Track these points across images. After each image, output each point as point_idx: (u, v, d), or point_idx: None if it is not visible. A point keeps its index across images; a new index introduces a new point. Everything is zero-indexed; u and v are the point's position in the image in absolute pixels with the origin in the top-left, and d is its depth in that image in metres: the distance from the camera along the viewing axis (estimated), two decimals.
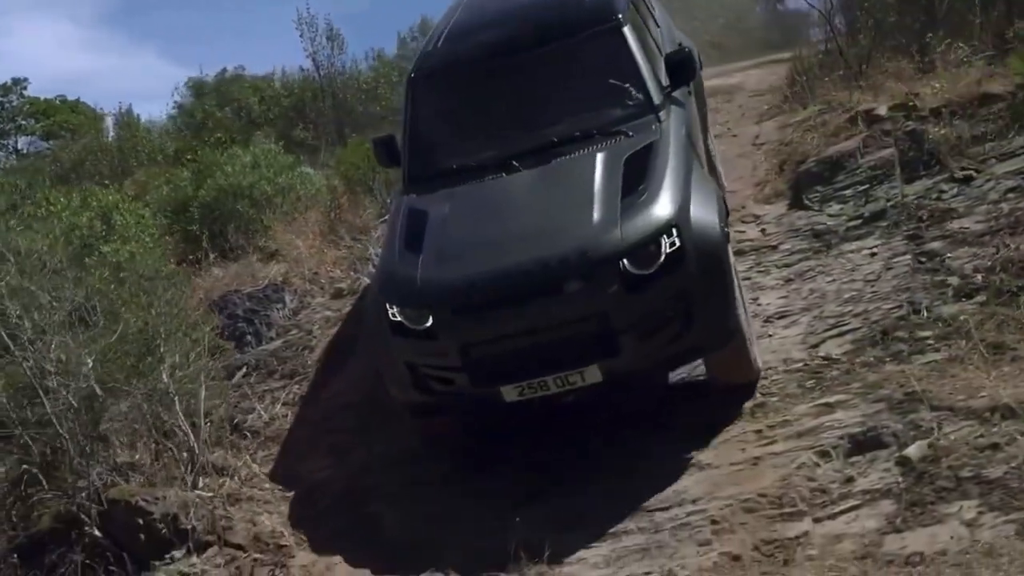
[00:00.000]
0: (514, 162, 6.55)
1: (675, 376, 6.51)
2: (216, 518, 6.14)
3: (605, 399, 6.21)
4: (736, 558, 5.03)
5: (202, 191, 12.54)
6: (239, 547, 6.00)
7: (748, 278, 7.56)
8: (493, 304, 5.84)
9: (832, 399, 5.91)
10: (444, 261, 6.13)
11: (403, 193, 7.03)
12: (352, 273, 9.83)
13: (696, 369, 6.44)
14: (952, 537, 4.64)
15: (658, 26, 8.28)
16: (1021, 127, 8.03)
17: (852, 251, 7.54)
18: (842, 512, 5.07)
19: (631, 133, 6.49)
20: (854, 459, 5.39)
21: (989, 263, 6.64)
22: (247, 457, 7.21)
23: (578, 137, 6.55)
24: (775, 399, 6.14)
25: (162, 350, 6.75)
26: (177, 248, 11.75)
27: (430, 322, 5.97)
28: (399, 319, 6.07)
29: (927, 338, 6.18)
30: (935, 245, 7.15)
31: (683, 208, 5.92)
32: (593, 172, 6.21)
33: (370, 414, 7.36)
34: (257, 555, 5.96)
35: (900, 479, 5.11)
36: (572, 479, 6.03)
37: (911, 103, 8.90)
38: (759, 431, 5.89)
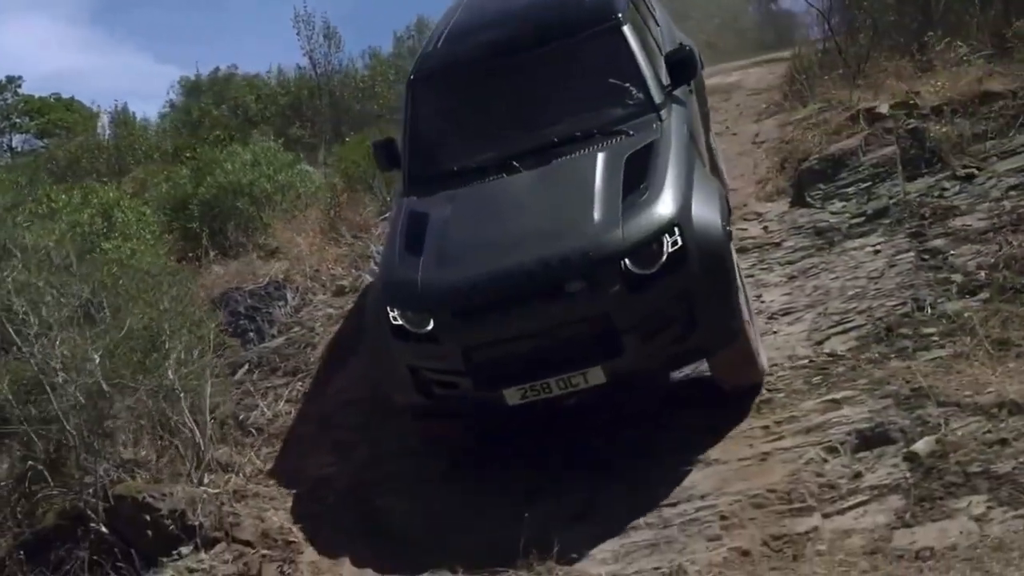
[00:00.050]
0: (515, 163, 6.52)
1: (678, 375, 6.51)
2: (223, 514, 6.12)
3: (607, 399, 6.20)
4: (745, 553, 5.05)
5: (202, 189, 12.54)
6: (247, 543, 5.98)
7: (751, 275, 7.58)
8: (494, 306, 5.80)
9: (839, 395, 5.93)
10: (445, 264, 6.09)
11: (403, 195, 7.00)
12: (353, 270, 9.82)
13: (701, 366, 6.44)
14: (961, 532, 4.67)
15: (658, 25, 8.27)
16: (1022, 125, 8.07)
17: (855, 248, 7.56)
18: (851, 507, 5.10)
19: (632, 132, 6.46)
20: (862, 455, 5.42)
21: (992, 260, 6.69)
22: (252, 454, 7.22)
23: (579, 137, 6.52)
24: (781, 395, 6.15)
25: (167, 346, 6.73)
26: (176, 245, 11.73)
27: (431, 325, 5.93)
28: (400, 323, 6.04)
29: (932, 335, 6.22)
30: (938, 242, 7.19)
31: (685, 207, 5.89)
32: (594, 172, 6.18)
33: (372, 411, 7.35)
34: (265, 551, 5.95)
35: (908, 474, 5.14)
36: (572, 478, 6.03)
37: (912, 101, 8.93)
38: (766, 427, 5.91)
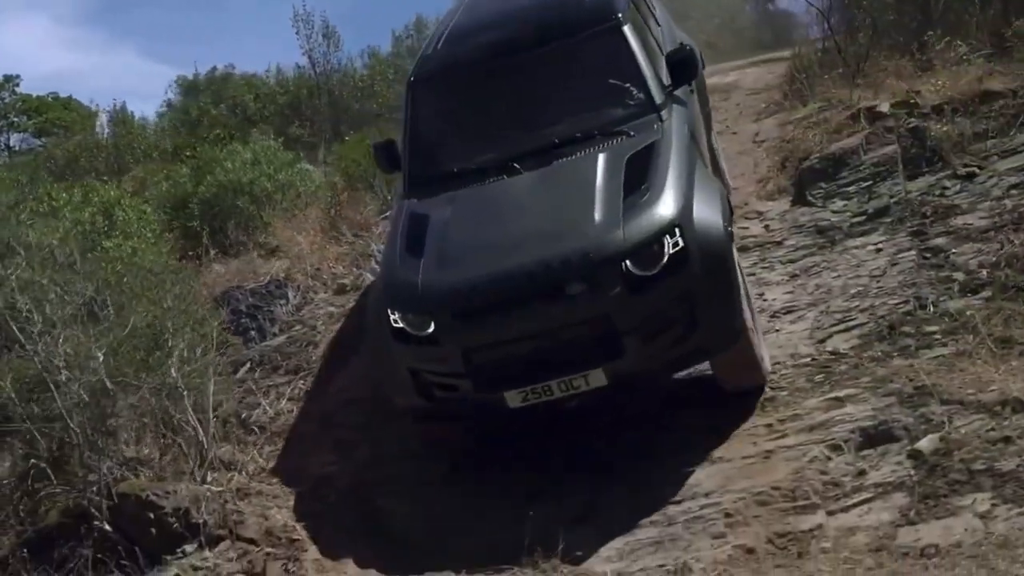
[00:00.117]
0: (515, 164, 6.50)
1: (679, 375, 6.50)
2: (227, 512, 6.12)
3: (609, 401, 6.19)
4: (750, 551, 5.06)
5: (202, 187, 12.52)
6: (251, 541, 5.97)
7: (753, 274, 7.59)
8: (495, 308, 5.77)
9: (842, 393, 5.94)
10: (445, 265, 6.06)
11: (404, 197, 6.97)
12: (355, 269, 9.82)
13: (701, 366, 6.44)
14: (966, 529, 4.68)
15: (659, 25, 8.25)
16: (1022, 124, 8.09)
17: (857, 247, 7.59)
18: (855, 505, 5.11)
19: (633, 133, 6.43)
20: (865, 452, 5.43)
21: (994, 259, 6.71)
22: (254, 452, 7.21)
23: (579, 138, 6.49)
24: (784, 393, 6.16)
25: (170, 344, 6.73)
26: (177, 244, 11.70)
27: (432, 328, 5.91)
28: (401, 325, 6.03)
29: (934, 333, 6.24)
30: (939, 241, 7.21)
31: (686, 208, 5.86)
32: (595, 173, 6.15)
33: (374, 410, 7.33)
34: (270, 549, 5.94)
35: (912, 472, 5.15)
36: (573, 480, 6.03)
37: (912, 100, 8.96)
38: (770, 425, 5.91)
